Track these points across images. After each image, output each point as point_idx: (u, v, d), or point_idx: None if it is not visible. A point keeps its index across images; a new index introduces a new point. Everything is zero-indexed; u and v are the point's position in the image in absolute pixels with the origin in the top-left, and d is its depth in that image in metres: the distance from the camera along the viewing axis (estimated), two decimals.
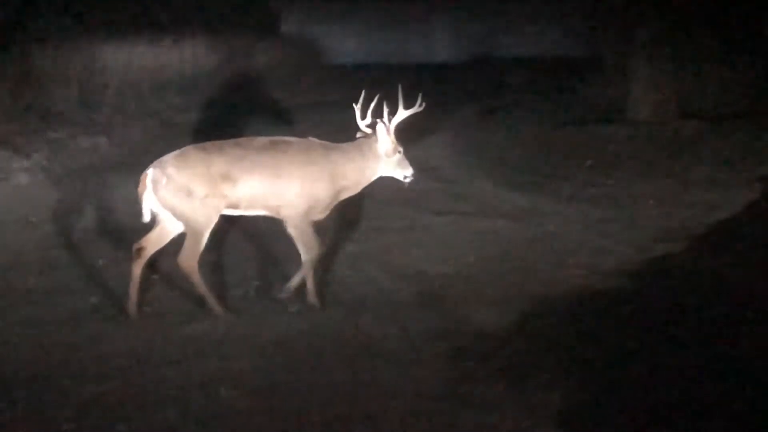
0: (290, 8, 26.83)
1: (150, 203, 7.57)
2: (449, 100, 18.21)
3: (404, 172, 8.17)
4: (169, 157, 7.60)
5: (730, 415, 5.66)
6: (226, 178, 7.60)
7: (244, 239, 9.70)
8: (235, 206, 7.78)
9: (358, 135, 8.19)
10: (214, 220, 7.65)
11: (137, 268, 7.69)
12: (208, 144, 7.87)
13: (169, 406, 5.99)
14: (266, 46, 24.08)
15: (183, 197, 7.50)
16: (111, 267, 8.87)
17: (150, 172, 7.52)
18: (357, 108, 8.17)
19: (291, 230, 7.92)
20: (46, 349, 6.93)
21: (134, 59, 19.51)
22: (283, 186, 7.80)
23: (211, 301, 7.69)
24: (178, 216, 7.61)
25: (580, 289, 7.99)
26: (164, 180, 7.48)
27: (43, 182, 12.75)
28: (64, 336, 7.18)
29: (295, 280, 8.04)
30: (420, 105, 8.12)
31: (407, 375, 6.39)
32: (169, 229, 7.76)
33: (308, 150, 8.00)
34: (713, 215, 10.00)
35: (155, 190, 7.51)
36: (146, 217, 7.63)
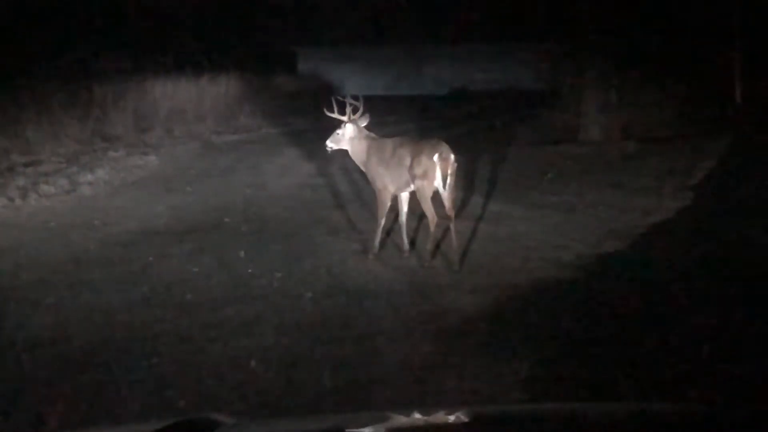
0: (306, 51, 26.95)
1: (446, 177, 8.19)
2: (433, 126, 18.21)
3: None
4: (445, 145, 8.30)
5: (672, 376, 5.65)
6: None
7: (270, 240, 9.70)
8: None
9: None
10: None
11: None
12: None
13: (208, 376, 5.96)
14: (286, 80, 24.19)
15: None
16: (159, 262, 8.85)
17: (452, 156, 8.20)
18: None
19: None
20: (107, 330, 6.89)
21: (179, 92, 19.60)
22: None
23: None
24: (453, 184, 8.32)
25: (543, 278, 7.95)
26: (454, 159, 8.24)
27: (105, 193, 12.80)
28: (121, 320, 7.14)
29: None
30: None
31: (402, 349, 6.35)
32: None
33: None
34: (650, 218, 10.00)
35: (453, 166, 8.22)
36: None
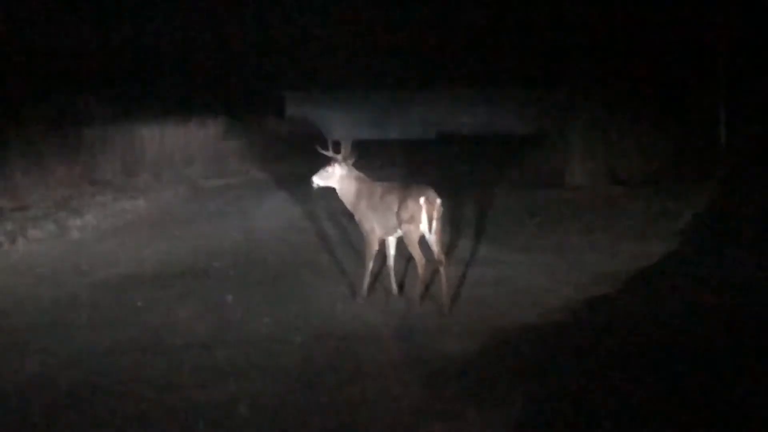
0: (292, 96, 27.10)
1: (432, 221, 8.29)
2: (420, 169, 18.29)
3: None
4: (431, 189, 8.39)
5: (661, 415, 5.69)
6: None
7: (258, 284, 9.71)
8: None
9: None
10: None
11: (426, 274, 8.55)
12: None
13: (197, 421, 5.95)
14: (274, 124, 24.32)
15: None
16: (147, 307, 8.85)
17: (438, 200, 8.30)
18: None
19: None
20: (95, 375, 6.88)
21: (167, 136, 19.66)
22: None
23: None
24: (439, 228, 8.41)
25: (531, 322, 7.97)
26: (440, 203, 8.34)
27: (93, 237, 12.80)
28: (109, 363, 7.13)
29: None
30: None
31: (390, 393, 6.36)
32: None
33: None
34: (637, 263, 10.02)
35: (439, 210, 8.32)
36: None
